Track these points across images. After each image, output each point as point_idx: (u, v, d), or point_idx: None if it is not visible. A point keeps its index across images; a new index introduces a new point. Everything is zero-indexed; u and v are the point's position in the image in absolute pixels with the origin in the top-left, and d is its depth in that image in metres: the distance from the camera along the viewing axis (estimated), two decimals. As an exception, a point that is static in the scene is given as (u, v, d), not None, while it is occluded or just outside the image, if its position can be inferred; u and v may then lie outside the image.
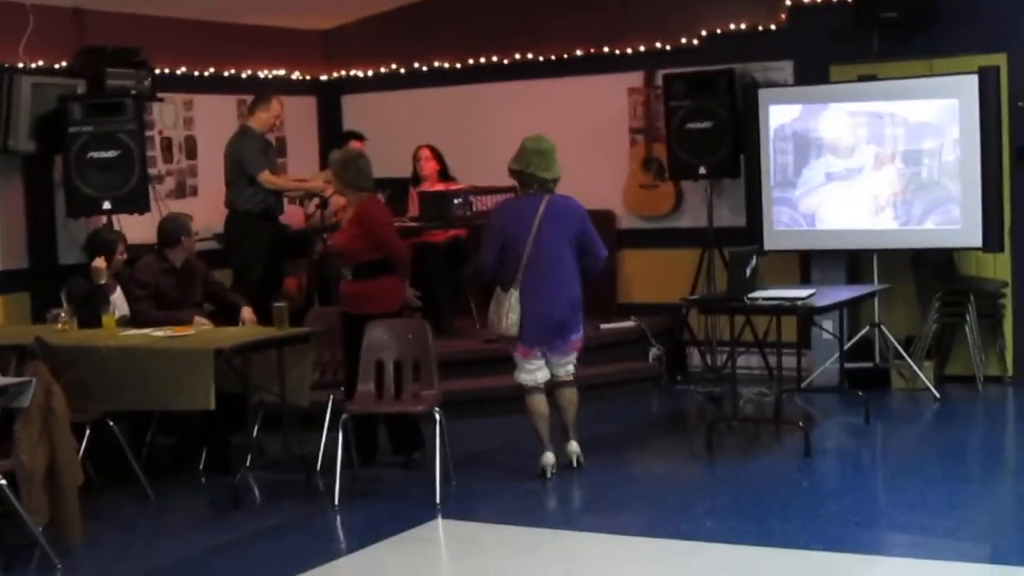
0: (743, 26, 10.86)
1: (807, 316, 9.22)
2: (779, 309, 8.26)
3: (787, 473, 7.89)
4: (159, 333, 7.93)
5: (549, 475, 7.90)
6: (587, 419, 9.44)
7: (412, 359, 7.84)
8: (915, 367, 9.78)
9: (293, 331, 7.95)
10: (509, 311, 7.78)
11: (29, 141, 9.49)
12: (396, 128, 11.95)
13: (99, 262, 8.60)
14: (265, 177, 10.08)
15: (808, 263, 10.58)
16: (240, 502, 7.61)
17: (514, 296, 7.78)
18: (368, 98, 12.49)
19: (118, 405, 7.71)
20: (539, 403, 7.98)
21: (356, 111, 12.57)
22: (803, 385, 9.87)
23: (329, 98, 12.63)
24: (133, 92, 9.82)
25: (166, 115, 11.04)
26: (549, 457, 7.97)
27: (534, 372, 7.97)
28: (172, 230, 8.71)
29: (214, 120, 11.36)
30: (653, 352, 10.81)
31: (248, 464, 8.00)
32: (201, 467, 8.35)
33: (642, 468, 8.49)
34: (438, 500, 7.40)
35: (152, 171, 10.79)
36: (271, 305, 8.16)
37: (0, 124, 9.39)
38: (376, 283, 8.17)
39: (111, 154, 9.45)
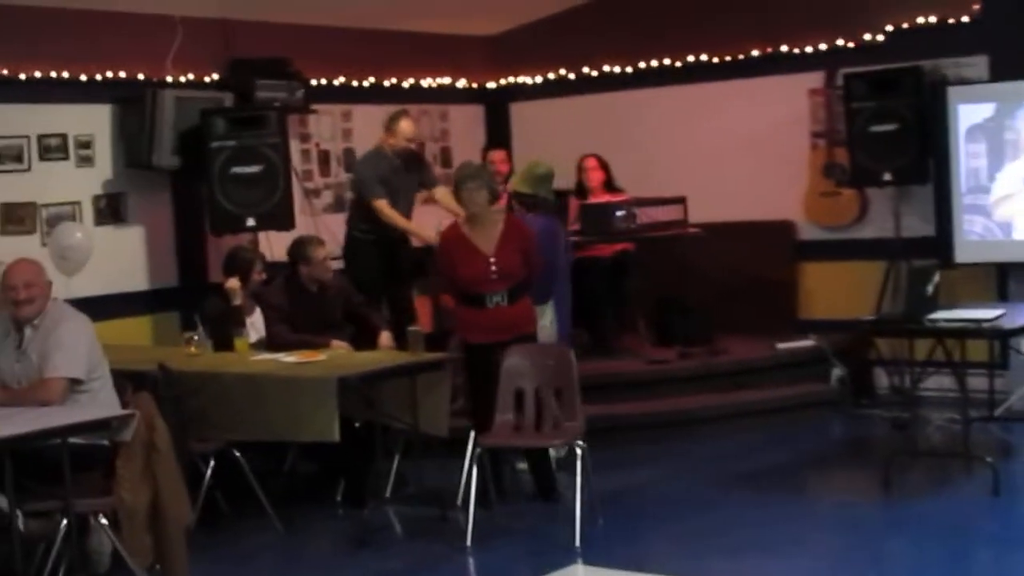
0: (932, 19, 9.96)
1: (997, 339, 8.32)
2: (963, 332, 7.43)
3: (970, 516, 7.08)
4: (289, 359, 7.51)
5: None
6: (756, 447, 8.85)
7: (554, 387, 7.24)
8: None
9: (426, 357, 7.44)
10: (552, 321, 8.21)
11: (173, 157, 9.21)
12: (563, 136, 11.38)
13: (232, 282, 8.24)
14: (380, 205, 9.12)
15: (1005, 277, 9.64)
16: (368, 539, 7.11)
17: (551, 307, 8.22)
18: (536, 105, 11.95)
19: (240, 435, 7.33)
20: None
21: (524, 119, 12.05)
22: (997, 413, 8.95)
23: (496, 106, 12.12)
24: (278, 104, 9.47)
25: (323, 127, 10.68)
26: None
27: None
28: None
29: (374, 131, 10.78)
30: (836, 373, 9.99)
31: (382, 498, 7.56)
32: (338, 498, 7.88)
33: (806, 507, 7.67)
34: (578, 542, 6.79)
35: (308, 185, 10.47)
36: (406, 329, 7.68)
37: (144, 140, 9.13)
38: (526, 303, 7.78)
39: (254, 169, 9.08)
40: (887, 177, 9.74)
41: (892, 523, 7.14)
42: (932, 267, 7.81)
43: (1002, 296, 9.54)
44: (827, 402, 9.86)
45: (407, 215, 9.27)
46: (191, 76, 9.67)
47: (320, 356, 7.53)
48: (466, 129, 11.77)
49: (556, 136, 11.50)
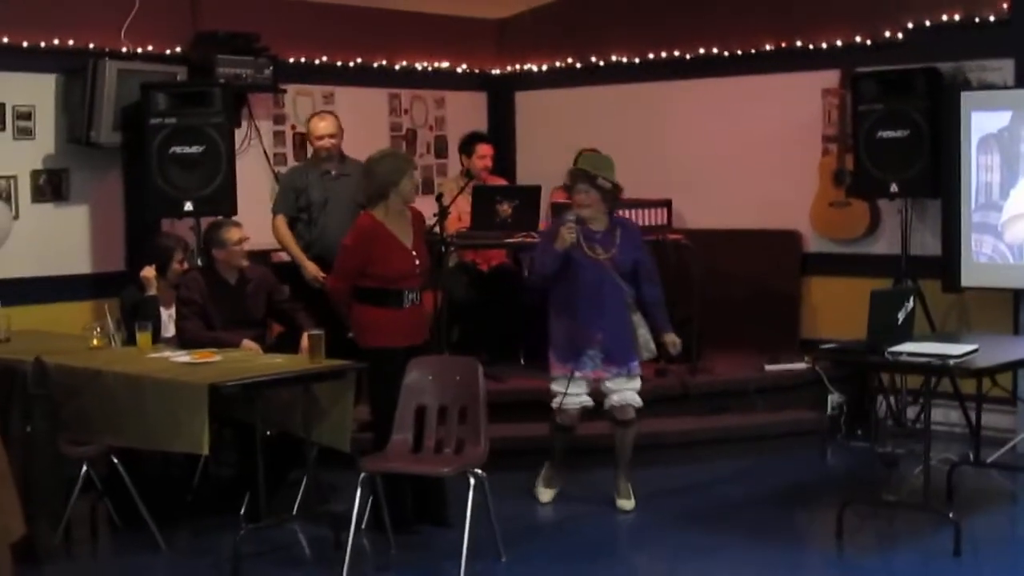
0: (956, 17, 9.03)
1: (964, 378, 7.40)
2: (927, 368, 6.56)
3: (920, 578, 6.23)
4: (182, 359, 6.87)
5: None
6: (723, 480, 8.06)
7: (459, 406, 6.50)
8: None
9: (324, 365, 6.73)
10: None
11: (114, 133, 8.60)
12: (568, 129, 10.65)
13: (147, 271, 7.64)
14: (277, 223, 8.60)
15: (1020, 305, 8.68)
16: (241, 566, 6.42)
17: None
18: (542, 95, 11.19)
19: (123, 440, 6.68)
20: None
21: (530, 109, 11.30)
22: (991, 459, 8.03)
23: (501, 94, 11.37)
24: (222, 81, 8.84)
25: (301, 108, 9.98)
26: None
27: None
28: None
29: (359, 115, 10.27)
30: (833, 399, 9.11)
31: (282, 515, 6.92)
32: (241, 512, 7.19)
33: (744, 552, 6.74)
34: (461, 582, 6.07)
35: (280, 169, 9.81)
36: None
37: (83, 114, 8.53)
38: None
39: (195, 150, 8.44)
40: (894, 188, 8.84)
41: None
42: (904, 292, 6.94)
43: (1016, 327, 8.61)
44: (819, 432, 8.98)
45: (341, 227, 8.59)
46: (150, 48, 9.05)
47: (215, 357, 6.87)
48: (465, 117, 10.99)
49: (561, 128, 10.80)
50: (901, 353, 6.55)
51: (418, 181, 7.12)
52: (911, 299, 6.89)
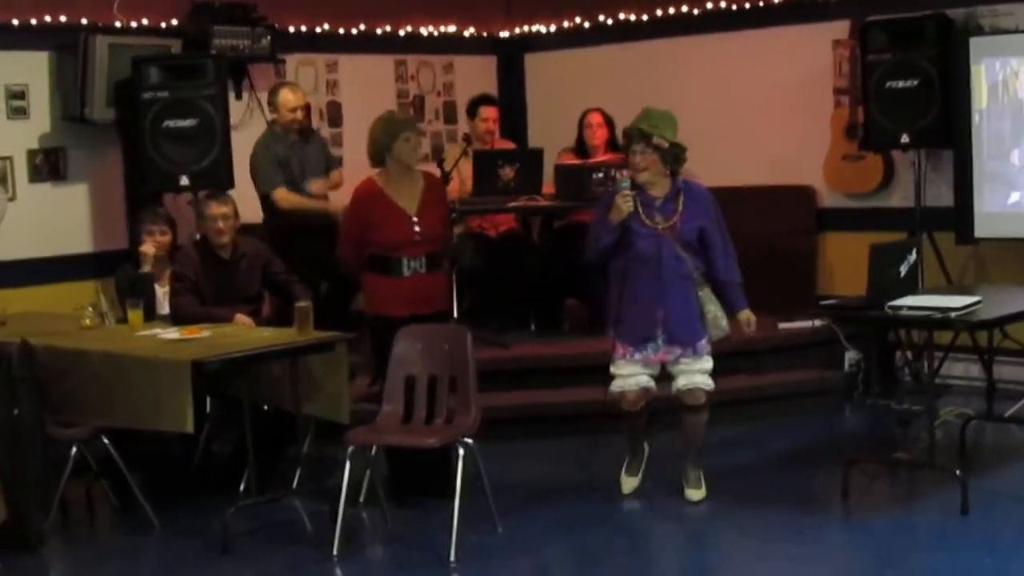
0: (968, -40, 8.79)
1: (965, 331, 7.20)
2: (928, 322, 6.35)
3: (927, 538, 6.06)
4: (170, 335, 6.77)
5: None
6: (731, 442, 7.86)
7: (449, 375, 6.37)
8: None
9: (314, 336, 6.61)
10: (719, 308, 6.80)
11: (107, 109, 8.50)
12: (578, 90, 10.45)
13: (146, 247, 7.55)
14: (280, 195, 8.48)
15: (1039, 256, 8.48)
16: (236, 543, 6.34)
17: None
18: (552, 56, 11.01)
19: (108, 420, 6.59)
20: None
21: (539, 71, 11.12)
22: (1007, 414, 7.83)
23: (510, 57, 11.20)
24: (213, 53, 8.74)
25: (304, 78, 9.84)
26: None
27: None
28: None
29: (364, 83, 10.18)
30: (850, 357, 8.91)
31: (279, 490, 6.93)
32: (241, 489, 7.09)
33: (742, 518, 6.56)
34: (453, 556, 5.93)
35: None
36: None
37: (76, 91, 8.43)
38: (444, 276, 7.28)
39: (189, 123, 8.32)
40: (905, 139, 8.60)
41: (828, 545, 6.15)
42: (905, 245, 6.74)
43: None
44: (835, 391, 8.79)
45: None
46: (144, 22, 8.93)
47: (203, 333, 6.77)
48: (474, 82, 10.79)
49: (571, 89, 10.59)
50: (901, 307, 6.35)
51: (417, 143, 6.84)
52: (913, 252, 6.69)
